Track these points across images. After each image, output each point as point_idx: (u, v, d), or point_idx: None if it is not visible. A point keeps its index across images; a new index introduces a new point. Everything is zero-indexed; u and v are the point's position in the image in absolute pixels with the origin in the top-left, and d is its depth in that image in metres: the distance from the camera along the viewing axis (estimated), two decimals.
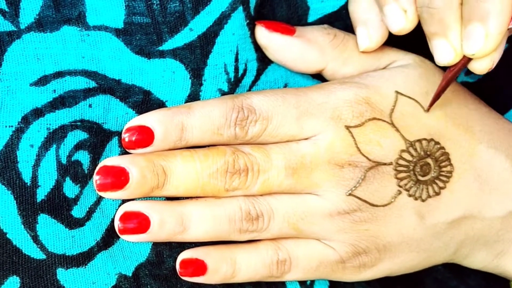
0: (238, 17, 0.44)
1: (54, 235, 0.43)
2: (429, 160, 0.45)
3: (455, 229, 0.46)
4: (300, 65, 0.46)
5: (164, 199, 0.44)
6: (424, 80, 0.46)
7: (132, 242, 0.44)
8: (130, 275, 0.45)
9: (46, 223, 0.42)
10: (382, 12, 0.43)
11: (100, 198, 0.44)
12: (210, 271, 0.44)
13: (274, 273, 0.45)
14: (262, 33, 0.45)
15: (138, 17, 0.42)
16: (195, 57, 0.43)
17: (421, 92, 0.45)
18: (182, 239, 0.44)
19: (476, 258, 0.48)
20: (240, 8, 0.44)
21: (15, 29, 0.41)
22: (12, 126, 0.41)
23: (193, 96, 0.44)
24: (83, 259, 0.43)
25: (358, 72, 0.46)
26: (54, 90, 0.42)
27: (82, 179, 0.43)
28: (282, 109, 0.43)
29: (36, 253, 0.42)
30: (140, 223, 0.43)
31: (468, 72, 0.51)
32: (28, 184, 0.42)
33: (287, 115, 0.43)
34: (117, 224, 0.43)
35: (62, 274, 0.43)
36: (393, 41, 0.48)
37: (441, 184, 0.45)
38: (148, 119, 0.43)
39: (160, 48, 0.43)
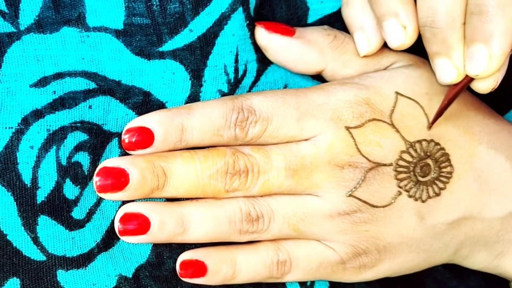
0: (238, 18, 0.44)
1: (54, 237, 0.42)
2: (429, 161, 0.45)
3: (455, 230, 0.46)
4: (300, 66, 0.46)
5: (164, 200, 0.44)
6: (424, 81, 0.46)
7: (132, 244, 0.44)
8: (130, 276, 0.45)
9: (46, 225, 0.42)
10: (381, 27, 0.43)
11: (100, 199, 0.44)
12: (210, 272, 0.44)
13: (274, 274, 0.45)
14: (262, 34, 0.45)
15: (138, 18, 0.42)
16: (195, 58, 0.43)
17: (421, 93, 0.45)
18: (182, 240, 0.44)
19: (476, 258, 0.48)
20: (240, 9, 0.44)
21: (15, 30, 0.41)
22: (12, 128, 0.41)
23: (193, 97, 0.44)
24: (83, 260, 0.43)
25: (358, 73, 0.46)
26: (54, 91, 0.42)
27: (82, 180, 0.43)
28: (282, 110, 0.43)
29: (36, 255, 0.42)
30: (140, 224, 0.43)
31: None
32: (28, 185, 0.42)
33: (287, 116, 0.43)
34: (117, 226, 0.43)
35: (62, 275, 0.43)
36: None
37: (441, 185, 0.45)
38: (148, 120, 0.43)
39: (160, 49, 0.43)
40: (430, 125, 0.45)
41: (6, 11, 0.41)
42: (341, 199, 0.44)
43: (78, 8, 0.42)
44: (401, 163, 0.44)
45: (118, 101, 0.43)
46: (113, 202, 0.44)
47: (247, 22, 0.44)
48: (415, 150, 0.44)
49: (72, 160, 0.42)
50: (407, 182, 0.44)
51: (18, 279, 0.43)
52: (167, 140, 0.43)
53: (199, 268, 0.44)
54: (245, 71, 0.45)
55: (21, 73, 0.41)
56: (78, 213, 0.43)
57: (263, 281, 0.46)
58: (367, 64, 0.46)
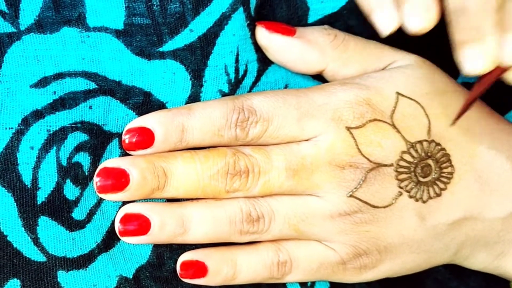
0: (239, 18, 0.44)
1: (55, 237, 0.42)
2: (430, 162, 0.45)
3: (455, 230, 0.46)
4: (301, 66, 0.46)
5: (165, 201, 0.44)
6: (425, 81, 0.45)
7: (133, 244, 0.44)
8: (131, 277, 0.45)
9: (46, 225, 0.42)
10: (401, 10, 0.41)
11: (100, 200, 0.44)
12: (211, 273, 0.44)
13: (274, 275, 0.45)
14: (263, 34, 0.45)
15: (138, 18, 0.42)
16: (196, 58, 0.43)
17: (422, 93, 0.45)
18: (183, 240, 0.44)
19: (476, 259, 0.48)
20: (241, 9, 0.44)
21: (15, 31, 0.41)
22: (12, 128, 0.41)
23: (194, 97, 0.44)
24: (83, 261, 0.43)
25: (359, 72, 0.46)
26: (54, 92, 0.42)
27: (83, 181, 0.43)
28: (282, 110, 0.43)
29: (37, 256, 0.42)
30: (140, 225, 0.43)
31: None
32: (29, 186, 0.42)
33: (287, 116, 0.43)
34: (117, 226, 0.43)
35: (62, 276, 0.43)
36: (393, 41, 0.48)
37: (441, 186, 0.45)
38: (148, 120, 0.43)
39: (161, 49, 0.43)
40: (454, 121, 0.43)
41: (6, 11, 0.41)
42: (342, 199, 0.44)
43: (78, 8, 0.42)
44: (402, 163, 0.44)
45: (118, 101, 0.43)
46: (114, 202, 0.44)
47: (248, 22, 0.44)
48: (416, 151, 0.44)
49: (73, 161, 0.42)
50: (408, 183, 0.44)
51: (18, 280, 0.42)
52: (167, 140, 0.43)
53: (200, 268, 0.44)
54: (245, 71, 0.45)
55: (21, 74, 0.41)
56: (78, 213, 0.43)
57: (263, 281, 0.46)
58: (367, 63, 0.46)
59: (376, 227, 0.44)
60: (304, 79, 0.47)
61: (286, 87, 0.47)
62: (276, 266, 0.45)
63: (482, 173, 0.46)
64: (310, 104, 0.44)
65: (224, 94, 0.45)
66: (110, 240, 0.44)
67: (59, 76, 0.42)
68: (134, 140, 0.42)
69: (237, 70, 0.45)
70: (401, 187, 0.44)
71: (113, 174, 0.42)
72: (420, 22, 0.40)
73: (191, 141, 0.43)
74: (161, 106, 0.44)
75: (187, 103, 0.44)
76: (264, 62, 0.46)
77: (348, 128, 0.44)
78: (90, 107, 0.42)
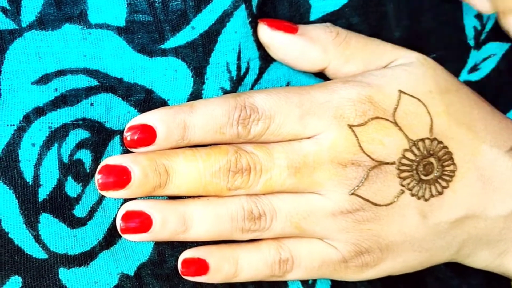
0: (240, 15, 0.44)
1: (56, 235, 0.42)
2: (432, 160, 0.45)
3: (457, 229, 0.46)
4: (303, 63, 0.46)
5: (166, 198, 0.44)
6: (427, 79, 0.45)
7: (134, 242, 0.44)
8: (132, 274, 0.45)
9: (48, 223, 0.42)
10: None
11: (102, 197, 0.43)
12: (212, 270, 0.44)
13: (276, 273, 0.45)
14: (265, 31, 0.45)
15: (140, 15, 0.42)
16: (197, 55, 0.43)
17: (424, 91, 0.45)
18: (184, 238, 0.44)
19: (478, 257, 0.48)
20: (243, 6, 0.44)
21: (17, 27, 0.41)
22: (13, 125, 0.41)
23: (195, 95, 0.44)
24: (85, 258, 0.43)
25: (361, 70, 0.46)
26: (56, 89, 0.42)
27: (84, 178, 0.43)
28: (285, 108, 0.43)
29: (38, 253, 0.42)
30: (142, 222, 0.43)
31: (471, 71, 0.51)
32: (30, 183, 0.42)
33: (289, 114, 0.43)
34: (119, 224, 0.43)
35: (64, 273, 0.43)
36: (394, 40, 0.48)
37: (444, 184, 0.45)
38: (150, 117, 0.43)
39: (162, 46, 0.43)
40: None
41: (8, 8, 0.41)
42: (344, 197, 0.44)
43: (80, 5, 0.42)
44: (404, 161, 0.44)
45: (120, 98, 0.43)
46: (115, 200, 0.44)
47: (250, 19, 0.44)
48: (418, 149, 0.44)
49: (74, 158, 0.42)
50: (410, 181, 0.44)
51: (20, 277, 0.42)
52: (169, 138, 0.43)
53: (201, 266, 0.44)
54: (247, 69, 0.45)
55: (23, 70, 0.41)
56: (80, 211, 0.43)
57: (265, 279, 0.46)
58: (369, 61, 0.46)
59: (378, 225, 0.44)
60: (306, 77, 0.47)
61: (288, 84, 0.47)
62: (277, 264, 0.45)
63: (485, 171, 0.46)
64: (312, 102, 0.44)
65: (226, 92, 0.45)
66: (111, 237, 0.44)
67: (60, 73, 0.41)
68: (135, 137, 0.42)
69: (239, 67, 0.45)
70: (403, 185, 0.44)
71: (115, 171, 0.42)
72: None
73: (193, 138, 0.43)
74: (162, 103, 0.44)
75: (188, 100, 0.44)
76: (266, 59, 0.46)
77: (350, 126, 0.44)
78: (92, 104, 0.42)
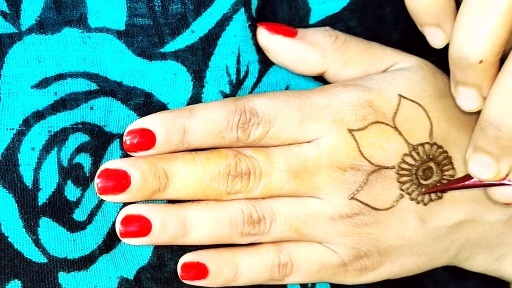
0: (240, 19, 0.44)
1: (56, 239, 0.42)
2: (431, 164, 0.45)
3: (456, 233, 0.46)
4: (302, 67, 0.46)
5: (166, 202, 0.44)
6: (427, 83, 0.45)
7: (134, 245, 0.44)
8: (132, 278, 0.45)
9: (47, 227, 0.42)
10: (455, 90, 0.43)
11: (101, 201, 0.43)
12: (212, 274, 0.44)
13: (275, 276, 0.45)
14: (264, 35, 0.45)
15: (140, 19, 0.42)
16: (197, 59, 0.43)
17: (424, 96, 0.45)
18: (184, 242, 0.44)
19: (476, 261, 0.48)
20: (242, 9, 0.44)
21: (16, 31, 0.41)
22: (13, 129, 0.41)
23: (195, 98, 0.44)
24: (84, 262, 0.43)
25: (360, 74, 0.46)
26: (56, 93, 0.41)
27: (84, 182, 0.43)
28: (284, 112, 0.43)
29: (38, 257, 0.42)
30: (141, 226, 0.43)
31: None
32: (30, 187, 0.41)
33: (289, 118, 0.43)
34: (118, 227, 0.43)
35: (63, 277, 0.43)
36: (392, 43, 0.48)
37: None
38: (149, 121, 0.42)
39: (162, 50, 0.43)
40: (426, 192, 0.45)
41: (8, 11, 0.41)
42: (343, 201, 0.44)
43: (79, 9, 0.41)
44: (404, 166, 0.44)
45: (119, 102, 0.43)
46: (114, 203, 0.44)
47: (249, 23, 0.44)
48: (418, 153, 0.44)
49: (74, 162, 0.42)
50: (409, 185, 0.44)
51: (19, 281, 0.42)
52: (169, 142, 0.43)
53: (201, 270, 0.44)
54: (247, 72, 0.45)
55: (23, 74, 0.41)
56: (79, 214, 0.43)
57: (264, 283, 0.46)
58: (369, 65, 0.46)
59: (377, 229, 0.44)
60: (305, 81, 0.47)
61: (287, 88, 0.47)
62: (277, 268, 0.45)
63: None
64: (312, 106, 0.44)
65: (225, 95, 0.45)
66: (111, 241, 0.44)
67: (60, 77, 0.41)
68: (135, 141, 0.42)
69: (238, 71, 0.44)
70: (402, 190, 0.44)
71: (114, 175, 0.42)
72: (472, 105, 0.43)
73: (193, 142, 0.43)
74: (162, 107, 0.43)
75: (188, 104, 0.44)
76: (265, 63, 0.46)
77: (350, 130, 0.44)
78: (91, 108, 0.42)
